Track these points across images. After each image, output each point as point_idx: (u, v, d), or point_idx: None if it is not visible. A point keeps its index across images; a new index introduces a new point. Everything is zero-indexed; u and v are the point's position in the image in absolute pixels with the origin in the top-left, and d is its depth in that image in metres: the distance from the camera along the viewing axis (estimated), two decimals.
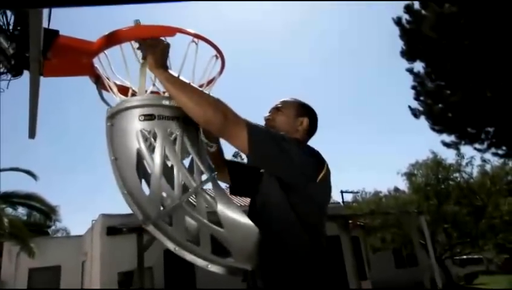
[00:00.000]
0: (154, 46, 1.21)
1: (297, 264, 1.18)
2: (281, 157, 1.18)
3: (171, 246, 1.02)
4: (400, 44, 10.91)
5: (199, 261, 1.02)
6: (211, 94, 1.26)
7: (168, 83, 1.18)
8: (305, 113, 1.47)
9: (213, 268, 1.02)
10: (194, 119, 1.17)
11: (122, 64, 1.28)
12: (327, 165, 1.31)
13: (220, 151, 1.51)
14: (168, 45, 1.23)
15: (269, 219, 1.22)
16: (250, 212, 1.36)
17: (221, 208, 1.07)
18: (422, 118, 11.10)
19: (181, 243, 1.03)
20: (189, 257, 1.02)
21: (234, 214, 1.07)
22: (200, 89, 1.21)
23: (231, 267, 1.03)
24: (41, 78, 1.28)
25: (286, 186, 1.20)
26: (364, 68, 51.54)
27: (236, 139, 1.15)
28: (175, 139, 1.15)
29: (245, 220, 1.07)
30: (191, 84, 1.22)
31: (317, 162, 1.29)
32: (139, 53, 1.25)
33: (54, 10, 1.16)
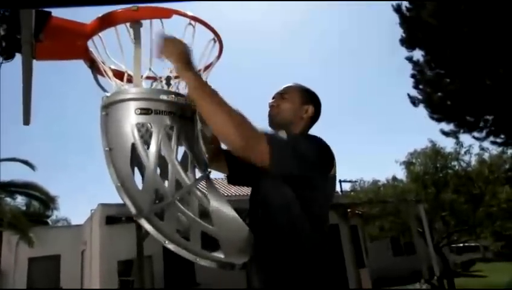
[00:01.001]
0: (177, 44, 1.14)
1: (301, 255, 1.18)
2: (302, 163, 1.17)
3: (161, 239, 1.02)
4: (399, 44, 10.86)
5: (188, 255, 1.02)
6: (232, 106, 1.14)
7: (196, 91, 1.12)
8: (310, 101, 1.44)
9: (202, 262, 1.02)
10: (214, 133, 1.19)
11: (117, 47, 1.24)
12: (335, 159, 1.31)
13: (217, 139, 1.48)
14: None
15: (274, 209, 1.21)
16: (252, 202, 1.35)
17: (213, 206, 1.07)
18: (422, 116, 11.08)
19: (171, 237, 1.03)
20: (178, 249, 1.02)
21: (225, 212, 1.08)
22: (227, 102, 1.13)
23: (220, 261, 1.04)
24: (35, 62, 1.25)
25: (299, 181, 1.19)
26: (364, 68, 51.31)
27: (257, 158, 1.12)
28: (171, 134, 1.13)
29: (235, 217, 1.08)
30: (219, 95, 1.14)
31: (330, 157, 1.28)
32: (133, 34, 1.22)
33: None
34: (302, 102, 1.42)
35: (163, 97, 1.15)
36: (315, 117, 1.46)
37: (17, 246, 12.66)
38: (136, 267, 8.59)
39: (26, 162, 13.48)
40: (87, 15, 1.24)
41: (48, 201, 14.91)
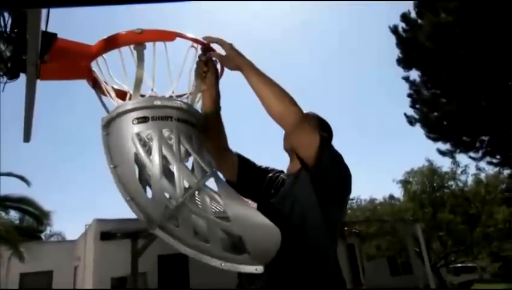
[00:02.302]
0: (224, 41, 1.27)
1: (323, 264, 1.23)
2: (339, 169, 1.25)
3: (181, 248, 0.99)
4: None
5: (211, 260, 0.98)
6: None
7: (252, 72, 1.23)
8: (325, 129, 1.47)
9: (227, 266, 0.98)
10: (268, 111, 1.20)
11: (121, 68, 1.26)
12: None
13: (224, 137, 1.48)
14: None
15: (300, 219, 1.25)
16: (266, 213, 1.35)
17: (227, 201, 1.03)
18: (419, 134, 11.16)
19: (189, 242, 1.00)
20: (198, 255, 0.99)
21: (241, 206, 1.03)
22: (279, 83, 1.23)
23: (246, 263, 0.98)
24: (38, 81, 1.26)
25: (327, 192, 1.23)
26: (364, 72, 51.58)
27: (307, 141, 1.20)
28: (171, 138, 1.14)
29: (254, 211, 1.04)
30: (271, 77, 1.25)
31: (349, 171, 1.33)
32: (136, 56, 1.23)
33: (52, 14, 1.15)
34: (319, 129, 1.45)
35: (158, 103, 1.17)
36: None
37: (9, 261, 12.44)
38: (131, 284, 8.44)
39: (21, 178, 13.37)
40: (91, 37, 1.26)
41: (41, 216, 14.73)
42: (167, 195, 1.06)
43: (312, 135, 1.20)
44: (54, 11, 1.16)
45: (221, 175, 1.26)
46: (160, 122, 1.13)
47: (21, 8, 1.07)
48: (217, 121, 1.41)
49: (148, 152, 1.09)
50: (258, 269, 0.98)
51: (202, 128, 1.27)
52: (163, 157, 1.08)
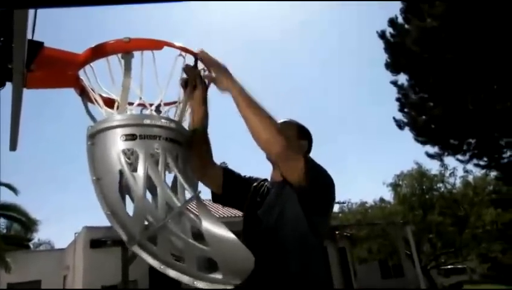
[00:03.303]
0: (215, 62, 1.26)
1: (309, 266, 1.26)
2: (323, 184, 1.29)
3: (156, 264, 1.01)
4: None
5: (184, 278, 1.02)
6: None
7: (240, 97, 1.22)
8: (305, 136, 1.50)
9: (200, 284, 1.01)
10: (254, 137, 1.22)
11: (108, 76, 1.26)
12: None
13: (210, 153, 1.48)
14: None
15: (285, 228, 1.28)
16: (253, 222, 1.37)
17: (206, 226, 1.06)
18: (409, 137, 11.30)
19: (166, 261, 1.03)
20: (173, 273, 1.02)
21: (220, 231, 1.06)
22: (266, 109, 1.25)
23: (218, 282, 1.03)
24: (24, 89, 1.25)
25: (312, 205, 1.27)
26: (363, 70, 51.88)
27: (293, 166, 1.22)
28: (158, 158, 1.14)
29: (230, 235, 1.07)
30: (258, 102, 1.25)
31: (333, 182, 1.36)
32: (124, 65, 1.23)
33: (38, 22, 1.15)
34: (298, 137, 1.47)
35: (147, 122, 1.17)
36: (308, 152, 1.51)
37: None
38: None
39: (8, 186, 13.16)
40: (79, 46, 1.26)
41: (29, 224, 14.50)
42: (149, 216, 1.07)
43: (296, 162, 1.23)
44: (40, 20, 1.16)
45: (204, 193, 1.28)
46: (148, 141, 1.13)
47: (7, 8, 1.06)
48: (204, 138, 1.42)
49: (134, 170, 1.10)
50: (229, 287, 1.03)
51: (188, 144, 1.28)
52: (148, 177, 1.08)
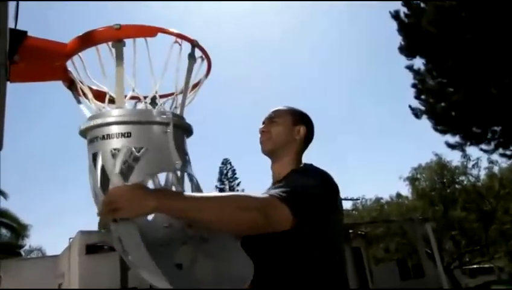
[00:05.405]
0: (124, 194, 0.99)
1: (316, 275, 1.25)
2: (319, 209, 1.24)
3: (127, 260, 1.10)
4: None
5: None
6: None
7: (185, 213, 1.05)
8: (301, 121, 1.48)
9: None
10: (230, 230, 1.16)
11: (98, 67, 1.25)
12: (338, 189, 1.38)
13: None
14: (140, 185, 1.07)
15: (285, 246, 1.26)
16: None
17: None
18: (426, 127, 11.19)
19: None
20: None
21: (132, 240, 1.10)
22: (222, 196, 1.23)
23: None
24: (8, 83, 1.25)
25: (315, 220, 1.24)
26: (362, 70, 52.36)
27: (281, 224, 1.15)
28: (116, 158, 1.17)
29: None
30: (203, 196, 1.15)
31: (336, 189, 1.34)
32: (115, 54, 1.23)
33: (22, 10, 1.14)
34: (293, 123, 1.46)
35: (142, 119, 1.18)
36: (308, 137, 1.49)
37: None
38: None
39: None
40: (66, 34, 1.25)
41: (19, 229, 14.64)
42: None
43: (282, 216, 1.13)
44: (23, 8, 1.16)
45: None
46: (106, 141, 1.15)
47: None
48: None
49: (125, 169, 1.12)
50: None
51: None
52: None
